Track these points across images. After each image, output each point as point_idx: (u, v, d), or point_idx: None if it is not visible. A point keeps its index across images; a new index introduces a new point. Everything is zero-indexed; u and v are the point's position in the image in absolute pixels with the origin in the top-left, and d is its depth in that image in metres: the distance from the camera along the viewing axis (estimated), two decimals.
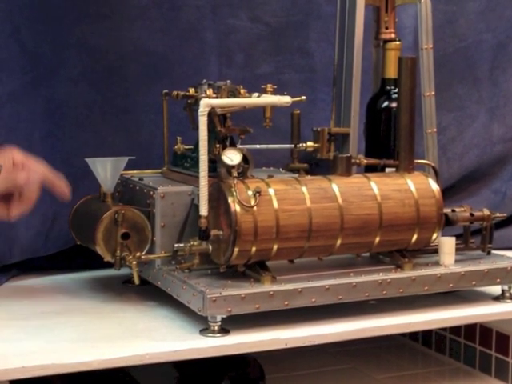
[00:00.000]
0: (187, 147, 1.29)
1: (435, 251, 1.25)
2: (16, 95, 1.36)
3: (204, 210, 1.12)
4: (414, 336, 1.52)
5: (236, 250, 1.10)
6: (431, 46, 1.35)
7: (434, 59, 1.35)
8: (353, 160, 1.23)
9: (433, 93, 1.36)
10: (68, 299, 1.24)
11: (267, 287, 1.10)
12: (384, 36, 1.37)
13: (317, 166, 1.37)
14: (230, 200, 1.10)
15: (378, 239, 1.18)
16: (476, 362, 1.40)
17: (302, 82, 1.52)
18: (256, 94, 1.21)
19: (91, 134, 1.41)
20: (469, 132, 1.63)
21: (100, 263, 1.21)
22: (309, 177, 1.22)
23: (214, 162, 1.16)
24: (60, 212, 1.35)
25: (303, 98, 1.25)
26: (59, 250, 1.38)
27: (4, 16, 1.34)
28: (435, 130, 1.37)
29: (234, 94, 1.20)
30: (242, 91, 1.21)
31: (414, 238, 1.20)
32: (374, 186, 1.18)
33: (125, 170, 1.23)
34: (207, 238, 1.12)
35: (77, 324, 1.13)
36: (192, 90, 1.24)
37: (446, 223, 1.25)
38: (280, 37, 1.51)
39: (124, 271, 1.22)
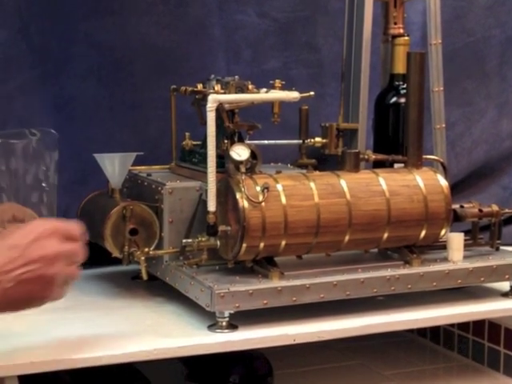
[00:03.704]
0: (195, 143, 1.29)
1: (443, 247, 1.25)
2: (24, 91, 1.36)
3: (212, 206, 1.12)
4: (422, 332, 1.52)
5: (244, 245, 1.10)
6: (440, 41, 1.34)
7: (443, 54, 1.35)
8: (361, 156, 1.23)
9: (441, 88, 1.35)
10: (76, 295, 1.24)
11: (275, 283, 1.10)
12: (392, 31, 1.37)
13: (325, 162, 1.36)
14: (238, 196, 1.09)
15: (386, 235, 1.18)
16: (484, 358, 1.40)
17: (310, 77, 1.52)
18: (264, 90, 1.21)
19: (99, 129, 1.41)
20: (477, 127, 1.63)
21: (108, 259, 1.21)
22: (317, 172, 1.22)
23: (222, 158, 1.16)
24: (70, 206, 1.35)
25: (311, 93, 1.25)
26: None
27: (12, 12, 1.34)
28: (444, 125, 1.37)
29: (242, 89, 1.20)
30: (250, 87, 1.21)
31: (423, 233, 1.20)
32: (382, 181, 1.18)
33: (133, 165, 1.23)
34: (215, 233, 1.12)
35: (85, 319, 1.13)
36: (200, 86, 1.24)
37: (455, 219, 1.25)
38: (288, 32, 1.51)
39: (132, 267, 1.22)
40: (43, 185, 1.18)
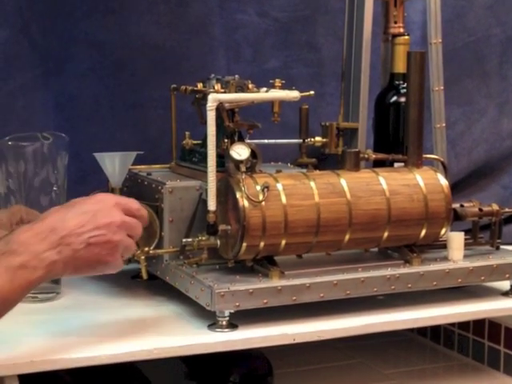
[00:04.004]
0: (195, 142, 1.29)
1: (444, 246, 1.25)
2: (25, 91, 1.36)
3: (212, 205, 1.12)
4: (422, 331, 1.52)
5: (244, 244, 1.10)
6: (440, 40, 1.34)
7: (443, 54, 1.35)
8: (361, 155, 1.23)
9: (441, 87, 1.35)
10: (76, 294, 1.25)
11: (275, 282, 1.10)
12: (393, 30, 1.37)
13: (325, 161, 1.37)
14: (238, 195, 1.10)
15: (386, 234, 1.18)
16: (484, 357, 1.40)
17: (311, 76, 1.53)
18: (264, 89, 1.21)
19: (100, 128, 1.41)
20: (478, 127, 1.63)
21: None
22: (317, 172, 1.22)
23: (222, 157, 1.16)
24: None
25: (311, 92, 1.25)
26: None
27: (14, 11, 1.35)
28: (444, 124, 1.37)
29: (242, 88, 1.20)
30: (250, 86, 1.21)
31: (423, 233, 1.20)
32: (382, 180, 1.18)
33: (133, 164, 1.23)
34: (215, 232, 1.12)
35: (85, 319, 1.13)
36: (200, 85, 1.24)
37: (455, 218, 1.25)
38: (288, 32, 1.52)
39: (132, 266, 1.21)
40: (54, 188, 1.20)
